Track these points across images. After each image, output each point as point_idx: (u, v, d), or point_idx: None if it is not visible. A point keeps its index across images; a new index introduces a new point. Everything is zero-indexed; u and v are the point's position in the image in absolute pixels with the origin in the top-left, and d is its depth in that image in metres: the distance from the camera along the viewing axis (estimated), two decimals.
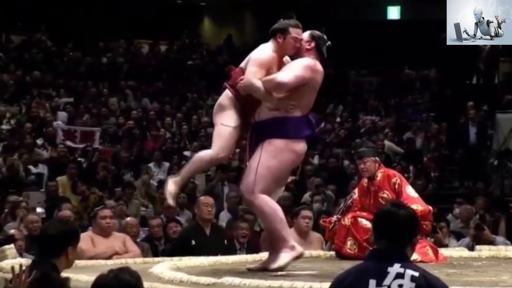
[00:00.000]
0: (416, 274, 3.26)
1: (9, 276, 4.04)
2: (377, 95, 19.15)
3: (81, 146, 14.14)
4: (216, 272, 5.89)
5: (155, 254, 8.29)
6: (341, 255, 6.93)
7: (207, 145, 6.93)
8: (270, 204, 5.80)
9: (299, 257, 5.84)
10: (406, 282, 3.23)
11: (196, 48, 20.93)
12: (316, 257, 7.18)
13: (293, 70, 5.78)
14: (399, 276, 3.25)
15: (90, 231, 7.79)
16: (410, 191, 6.94)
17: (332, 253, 7.16)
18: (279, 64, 5.89)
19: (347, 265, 3.88)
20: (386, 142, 15.51)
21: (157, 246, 8.83)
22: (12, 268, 3.92)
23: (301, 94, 5.80)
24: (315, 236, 7.98)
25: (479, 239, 8.57)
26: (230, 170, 12.54)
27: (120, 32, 19.91)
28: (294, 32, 5.84)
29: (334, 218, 7.15)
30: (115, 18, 20.26)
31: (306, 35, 5.99)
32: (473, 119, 14.97)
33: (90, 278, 4.29)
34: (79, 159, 13.67)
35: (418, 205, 6.61)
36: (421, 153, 15.68)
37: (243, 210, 9.70)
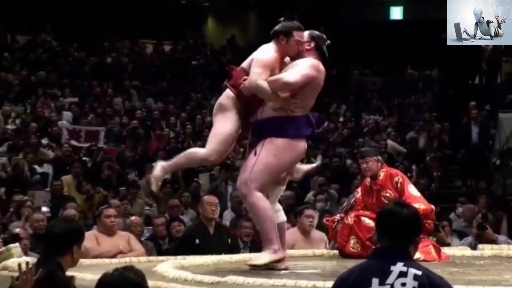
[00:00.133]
0: (419, 272, 3.26)
1: (15, 274, 4.06)
2: (380, 95, 19.16)
3: (86, 145, 14.19)
4: (220, 270, 5.87)
5: (159, 253, 8.26)
6: (344, 254, 6.90)
7: None
8: (262, 203, 5.78)
9: (279, 261, 5.80)
10: (409, 280, 3.24)
11: (200, 48, 20.95)
12: (320, 255, 7.17)
13: (299, 70, 5.78)
14: (402, 274, 3.25)
15: (94, 230, 7.79)
16: (412, 190, 6.91)
17: (335, 251, 7.14)
18: (281, 65, 5.89)
19: (350, 263, 3.88)
20: (389, 142, 15.54)
21: (161, 245, 8.81)
22: (19, 265, 3.96)
23: (304, 94, 5.79)
24: (319, 235, 7.98)
25: (481, 238, 8.55)
26: (233, 169, 12.57)
27: (124, 32, 19.93)
28: (297, 35, 5.83)
29: (337, 217, 7.12)
30: (119, 18, 20.28)
31: (305, 35, 5.98)
32: (475, 119, 14.95)
33: (95, 276, 4.17)
34: (84, 158, 13.71)
35: (420, 204, 6.58)
36: (424, 153, 15.69)
37: (246, 209, 9.73)
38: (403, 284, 3.23)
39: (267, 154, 5.74)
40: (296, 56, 5.94)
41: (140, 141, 14.79)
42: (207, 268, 6.03)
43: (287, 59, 5.98)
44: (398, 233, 3.34)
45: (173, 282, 5.27)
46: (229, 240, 7.99)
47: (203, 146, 6.11)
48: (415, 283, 3.22)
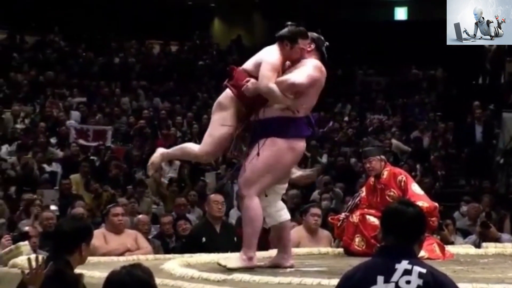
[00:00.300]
0: (424, 270, 3.26)
1: (25, 271, 4.10)
2: (385, 94, 19.15)
3: (94, 144, 14.25)
4: (226, 268, 5.78)
5: (166, 251, 8.30)
6: (349, 252, 6.95)
7: None
8: (256, 210, 5.79)
9: (250, 268, 5.71)
10: (413, 278, 3.24)
11: (206, 48, 20.93)
12: (325, 254, 7.22)
13: (305, 71, 5.80)
14: (407, 272, 3.26)
15: (102, 228, 7.81)
16: (415, 188, 6.94)
17: (341, 250, 7.19)
18: (282, 68, 5.87)
19: (355, 261, 3.90)
20: (394, 141, 15.54)
21: (168, 243, 8.84)
22: (29, 259, 4.02)
23: (308, 95, 5.83)
24: (324, 233, 8.01)
25: (485, 237, 8.59)
26: (240, 169, 12.61)
27: (132, 33, 19.96)
28: (302, 43, 5.84)
29: (342, 215, 7.16)
30: (127, 19, 20.31)
31: None
32: (479, 119, 14.95)
33: (103, 274, 4.27)
34: (92, 157, 13.75)
35: (424, 202, 6.62)
36: (428, 152, 15.68)
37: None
38: (408, 282, 3.24)
39: (268, 154, 5.76)
40: (300, 57, 5.93)
41: (147, 140, 14.83)
42: (214, 266, 5.97)
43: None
44: (403, 232, 3.36)
45: (180, 279, 5.27)
46: (235, 239, 7.91)
47: None
48: (420, 281, 3.24)
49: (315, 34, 6.03)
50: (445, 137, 16.34)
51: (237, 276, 5.28)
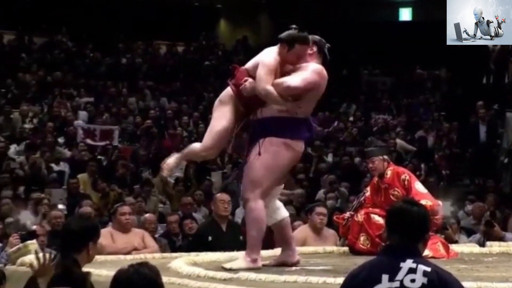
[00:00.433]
0: (428, 269, 3.27)
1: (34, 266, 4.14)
2: (390, 94, 19.16)
3: (101, 144, 14.31)
4: (232, 269, 5.78)
5: (173, 250, 8.32)
6: (354, 251, 6.98)
7: None
8: (260, 212, 5.84)
9: (254, 269, 5.69)
10: (418, 277, 3.24)
11: (213, 49, 20.94)
12: (330, 252, 7.25)
13: (302, 75, 5.83)
14: (412, 271, 3.26)
15: (110, 227, 7.83)
16: (419, 187, 6.97)
17: (346, 248, 7.22)
18: (281, 68, 5.90)
19: (361, 260, 3.91)
20: (398, 141, 15.54)
21: (174, 242, 8.87)
22: (36, 251, 4.09)
23: (307, 98, 5.85)
24: (329, 232, 8.04)
25: (489, 236, 8.60)
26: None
27: (139, 34, 19.99)
28: (299, 48, 5.84)
29: (347, 214, 7.20)
30: (134, 20, 20.35)
31: None
32: (483, 118, 14.86)
33: (110, 272, 4.31)
34: (99, 157, 13.79)
35: (427, 200, 6.65)
36: (433, 151, 15.69)
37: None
38: (413, 280, 3.24)
39: (267, 155, 5.79)
40: (297, 61, 5.93)
41: (154, 140, 14.87)
42: (220, 265, 5.99)
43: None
44: (407, 231, 3.37)
45: (187, 278, 5.28)
46: (241, 237, 7.85)
47: None
48: (424, 279, 3.24)
49: (316, 37, 6.04)
50: (449, 136, 16.33)
51: (243, 274, 5.30)
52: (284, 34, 5.89)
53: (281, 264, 6.07)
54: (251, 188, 5.83)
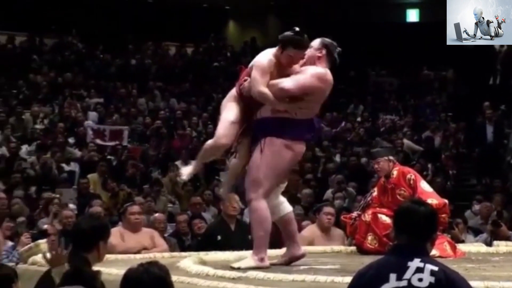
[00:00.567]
0: (436, 268, 3.29)
1: (44, 268, 4.20)
2: (397, 95, 19.18)
3: (110, 144, 14.38)
4: (240, 268, 5.79)
5: (182, 249, 8.35)
6: (362, 250, 7.03)
7: None
8: (264, 212, 5.87)
9: (262, 268, 5.71)
10: (425, 276, 3.26)
11: (221, 50, 20.95)
12: (338, 252, 7.30)
13: (298, 78, 5.83)
14: (419, 270, 3.27)
15: (119, 226, 7.85)
16: (424, 186, 7.03)
17: (353, 248, 7.27)
18: (282, 70, 5.91)
19: (368, 259, 3.92)
20: (405, 141, 15.60)
21: (184, 241, 8.91)
22: (46, 230, 4.11)
23: (308, 101, 5.86)
24: (337, 231, 8.09)
25: (496, 235, 8.64)
26: None
27: (148, 35, 20.03)
28: (291, 51, 5.84)
29: (354, 214, 7.26)
30: (143, 21, 20.39)
31: (316, 43, 5.99)
32: (490, 119, 14.94)
33: (120, 271, 4.29)
34: (109, 157, 13.86)
35: (433, 199, 6.71)
36: (440, 152, 15.72)
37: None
38: (420, 280, 3.26)
39: (268, 155, 5.83)
40: (307, 63, 5.94)
41: (163, 140, 14.91)
42: (229, 264, 6.03)
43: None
44: (415, 230, 3.39)
45: (196, 277, 5.32)
46: (250, 237, 7.69)
47: None
48: (432, 279, 3.25)
49: (327, 40, 6.04)
50: (456, 137, 16.36)
51: (251, 273, 5.32)
52: (281, 35, 5.91)
53: (289, 261, 6.13)
54: (253, 188, 5.87)
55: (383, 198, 7.13)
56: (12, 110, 15.20)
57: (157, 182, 12.46)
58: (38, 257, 6.03)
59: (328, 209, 8.09)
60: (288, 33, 5.89)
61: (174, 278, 3.50)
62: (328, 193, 12.67)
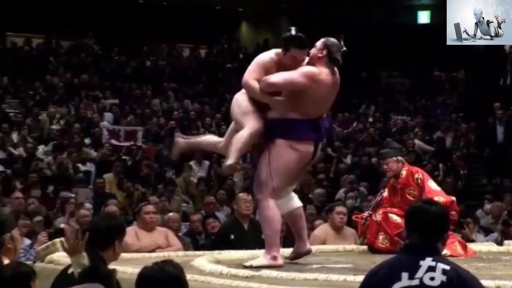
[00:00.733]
0: (447, 267, 3.29)
1: (60, 267, 4.26)
2: (408, 96, 19.19)
3: (125, 144, 14.49)
4: (253, 267, 5.81)
5: (196, 248, 8.38)
6: (373, 249, 7.05)
7: None
8: (273, 210, 5.88)
9: (275, 267, 5.71)
10: (437, 275, 3.26)
11: (234, 52, 21.00)
12: (350, 251, 7.28)
13: (286, 74, 5.81)
14: (431, 269, 3.28)
15: (134, 225, 7.83)
16: (432, 184, 7.05)
17: (365, 247, 7.26)
18: (278, 69, 5.90)
19: (379, 258, 3.93)
20: (416, 141, 15.66)
21: (197, 240, 8.94)
22: (63, 229, 4.18)
23: (299, 99, 5.82)
24: (349, 231, 8.08)
25: (506, 235, 8.72)
26: None
27: (162, 37, 20.12)
28: (293, 52, 5.83)
29: (365, 214, 7.28)
30: (158, 24, 20.49)
31: (319, 43, 5.93)
32: (500, 119, 14.98)
33: (135, 270, 4.32)
34: (124, 157, 13.98)
35: (440, 197, 6.73)
36: (451, 152, 15.77)
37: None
38: (432, 278, 3.26)
39: (274, 157, 5.84)
40: (308, 63, 5.91)
41: None
42: (242, 263, 6.01)
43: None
44: (427, 230, 3.39)
45: (210, 275, 5.36)
46: (263, 236, 7.96)
47: None
48: (444, 277, 3.26)
49: (330, 40, 5.94)
50: (467, 137, 16.39)
51: (264, 272, 5.34)
52: (284, 35, 5.92)
53: (295, 257, 6.17)
54: (260, 189, 5.90)
55: (393, 198, 7.19)
56: (29, 111, 15.34)
57: (171, 182, 12.54)
58: (55, 256, 6.15)
59: (340, 208, 8.13)
60: (290, 34, 5.87)
61: (188, 276, 3.52)
62: (340, 193, 12.76)
